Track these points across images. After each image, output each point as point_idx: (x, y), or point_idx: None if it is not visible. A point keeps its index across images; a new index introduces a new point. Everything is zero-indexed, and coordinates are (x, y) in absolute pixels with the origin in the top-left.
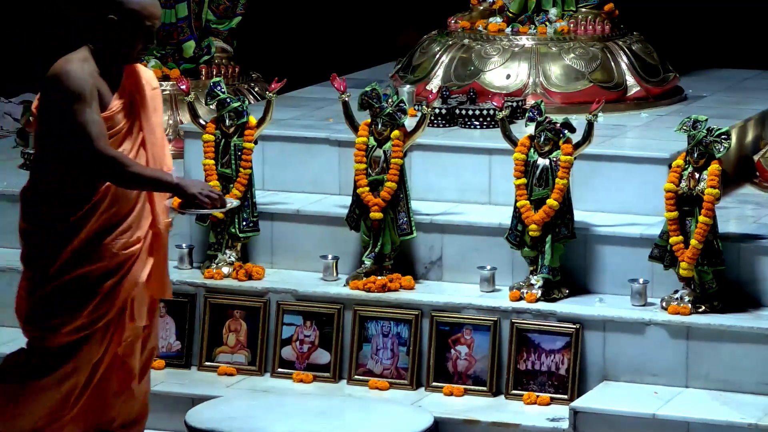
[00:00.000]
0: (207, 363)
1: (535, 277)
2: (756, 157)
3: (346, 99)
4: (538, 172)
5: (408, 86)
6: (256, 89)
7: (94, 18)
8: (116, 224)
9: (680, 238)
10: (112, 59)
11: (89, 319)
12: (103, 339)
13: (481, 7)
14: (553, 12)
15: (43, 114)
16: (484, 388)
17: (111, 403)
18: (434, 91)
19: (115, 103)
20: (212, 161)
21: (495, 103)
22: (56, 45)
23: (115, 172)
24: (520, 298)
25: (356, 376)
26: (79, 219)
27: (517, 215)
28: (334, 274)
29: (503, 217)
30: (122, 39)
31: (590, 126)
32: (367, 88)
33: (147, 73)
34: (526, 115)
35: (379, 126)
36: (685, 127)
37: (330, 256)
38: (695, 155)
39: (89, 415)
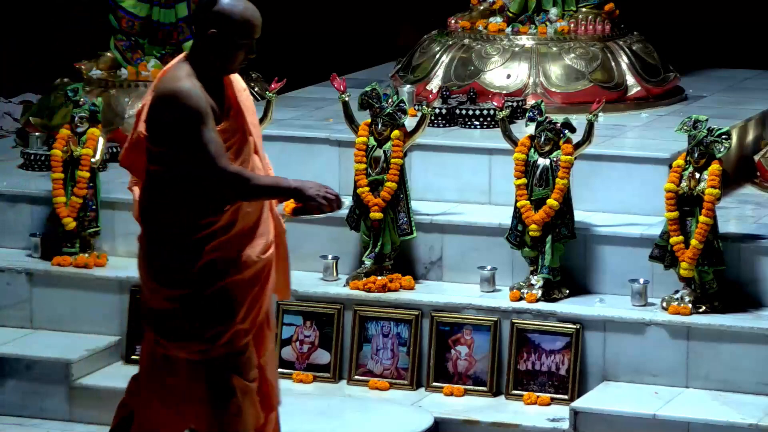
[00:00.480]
0: None
1: (536, 277)
2: (756, 157)
3: (346, 99)
4: (538, 172)
5: (408, 86)
6: (256, 89)
7: (195, 32)
8: (248, 233)
9: (680, 238)
10: (213, 71)
11: (242, 328)
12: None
13: (481, 7)
14: (553, 12)
15: (159, 134)
16: (484, 389)
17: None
18: (434, 91)
19: (224, 117)
20: None
21: (495, 103)
22: (56, 45)
23: (238, 189)
24: (521, 298)
25: (356, 377)
26: (205, 236)
27: (517, 215)
28: (334, 274)
29: (503, 217)
30: (223, 52)
31: (590, 126)
32: (367, 88)
33: (235, 77)
34: (527, 115)
35: (379, 126)
36: (685, 127)
37: (330, 256)
38: (696, 155)
39: None
